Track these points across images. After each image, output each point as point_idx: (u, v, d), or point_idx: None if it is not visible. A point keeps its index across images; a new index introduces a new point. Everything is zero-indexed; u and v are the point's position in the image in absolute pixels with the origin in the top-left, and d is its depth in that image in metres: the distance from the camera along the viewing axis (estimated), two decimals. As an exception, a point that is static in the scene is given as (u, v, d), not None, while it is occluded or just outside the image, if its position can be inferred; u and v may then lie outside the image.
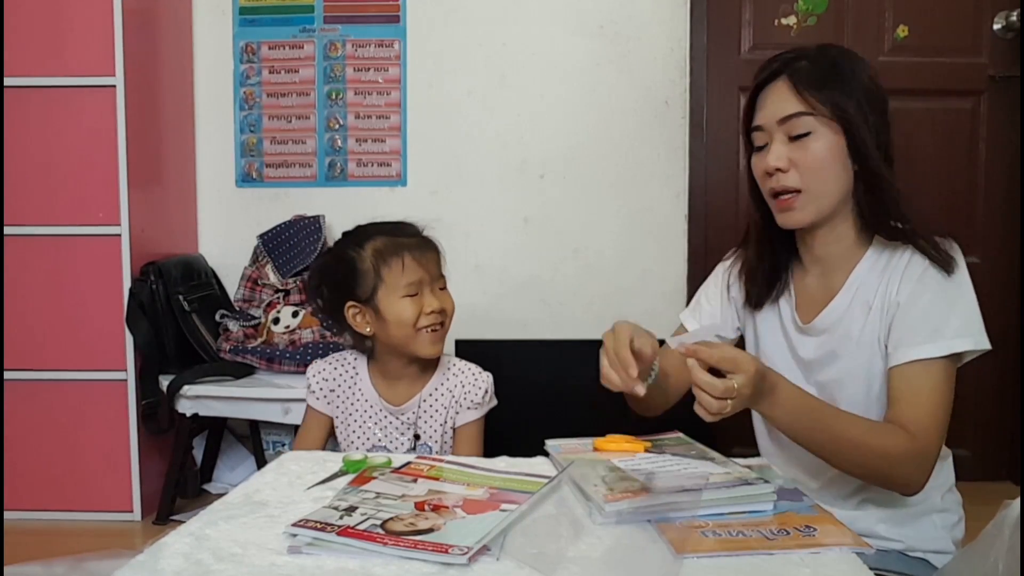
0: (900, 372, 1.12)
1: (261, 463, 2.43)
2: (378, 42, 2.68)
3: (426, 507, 0.89)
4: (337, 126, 2.71)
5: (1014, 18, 2.55)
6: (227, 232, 2.72)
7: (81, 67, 2.26)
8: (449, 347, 1.57)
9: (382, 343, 1.42)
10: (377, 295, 1.37)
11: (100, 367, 2.30)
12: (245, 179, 2.74)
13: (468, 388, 1.45)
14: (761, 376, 1.02)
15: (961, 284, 1.14)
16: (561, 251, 2.70)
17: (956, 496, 1.28)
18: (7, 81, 2.25)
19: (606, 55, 2.66)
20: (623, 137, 2.66)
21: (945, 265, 1.13)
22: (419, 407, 1.43)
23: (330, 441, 1.51)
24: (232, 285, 2.64)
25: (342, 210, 2.63)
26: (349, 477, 1.03)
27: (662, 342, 1.15)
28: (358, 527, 0.82)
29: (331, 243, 2.59)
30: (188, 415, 2.26)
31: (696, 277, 2.56)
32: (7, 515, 2.20)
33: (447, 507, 0.89)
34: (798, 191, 1.17)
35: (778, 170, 1.17)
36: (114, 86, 2.25)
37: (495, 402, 1.49)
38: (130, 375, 2.30)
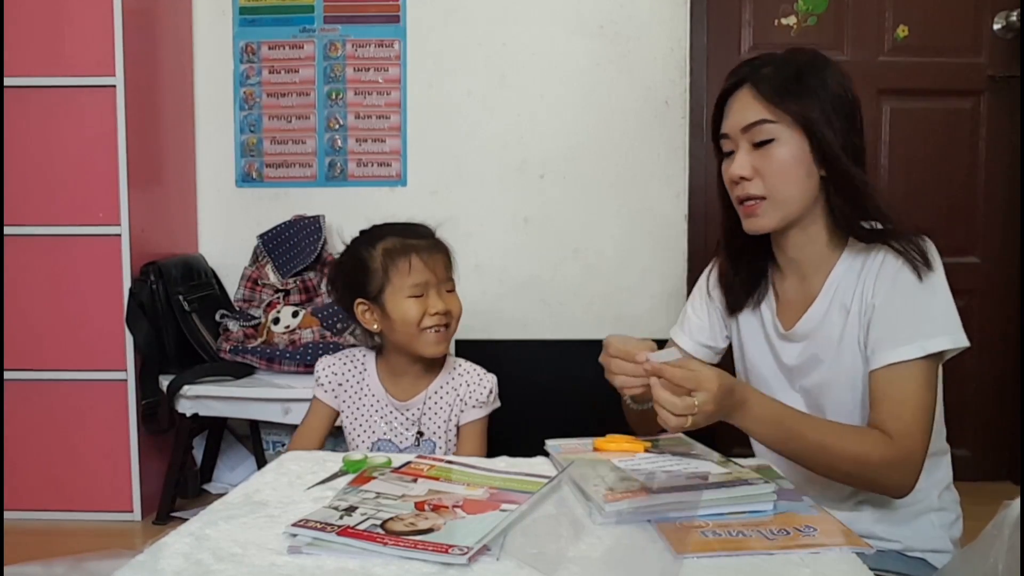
0: (880, 375, 1.12)
1: (261, 463, 2.43)
2: (378, 42, 2.68)
3: (426, 507, 0.89)
4: (337, 126, 2.71)
5: (1014, 18, 2.55)
6: (227, 232, 2.72)
7: (81, 67, 2.26)
8: (450, 347, 1.58)
9: (389, 340, 1.46)
10: (384, 294, 1.40)
11: (100, 367, 2.30)
12: (245, 179, 2.74)
13: (473, 387, 1.47)
14: (727, 391, 1.02)
15: (936, 283, 1.14)
16: (561, 251, 2.71)
17: (954, 494, 1.28)
18: (7, 81, 2.25)
19: (606, 55, 2.66)
20: (623, 137, 2.66)
21: (919, 264, 1.13)
22: (424, 404, 1.45)
23: (329, 440, 1.51)
24: (232, 285, 2.64)
25: (342, 210, 2.63)
26: (349, 477, 1.02)
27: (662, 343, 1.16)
28: (358, 527, 0.82)
29: (331, 243, 2.61)
30: (188, 415, 2.26)
31: (696, 277, 2.56)
32: (7, 515, 2.20)
33: (447, 507, 0.89)
34: (762, 197, 1.17)
35: (742, 178, 1.17)
36: (114, 86, 2.25)
37: (499, 403, 1.51)
38: (130, 375, 2.30)
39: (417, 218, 1.50)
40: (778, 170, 1.15)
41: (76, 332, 2.30)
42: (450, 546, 0.78)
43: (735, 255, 1.30)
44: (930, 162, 2.64)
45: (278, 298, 2.53)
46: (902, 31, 2.62)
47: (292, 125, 2.71)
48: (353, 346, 1.59)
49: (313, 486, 1.02)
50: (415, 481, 0.99)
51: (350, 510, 0.87)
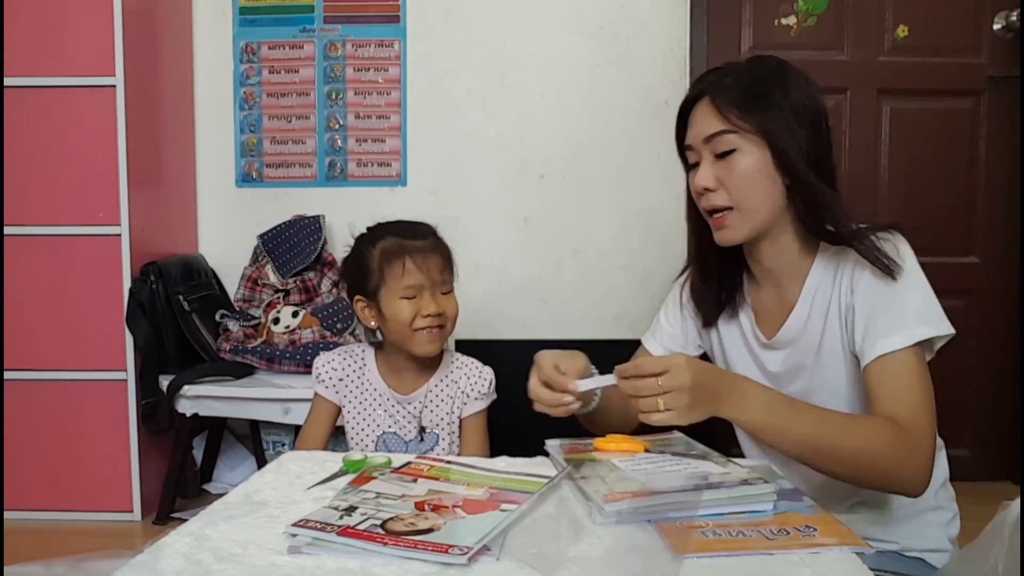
0: (872, 369, 1.10)
1: (261, 463, 2.43)
2: (378, 42, 2.68)
3: (426, 507, 0.89)
4: (337, 126, 2.71)
5: (1014, 18, 2.55)
6: (227, 232, 2.72)
7: (81, 67, 2.26)
8: (449, 347, 1.58)
9: (386, 337, 1.48)
10: (380, 293, 1.42)
11: (100, 367, 2.30)
12: (245, 179, 2.74)
13: (473, 380, 1.49)
14: (701, 367, 1.00)
15: (911, 274, 1.12)
16: (561, 251, 2.71)
17: (949, 491, 1.27)
18: (7, 81, 2.25)
19: (606, 55, 2.66)
20: (623, 137, 2.66)
21: (889, 264, 1.11)
22: (425, 397, 1.47)
23: (331, 440, 1.51)
24: (232, 285, 2.64)
25: (342, 210, 2.63)
26: (349, 477, 1.03)
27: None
28: (358, 527, 0.83)
29: (331, 243, 2.61)
30: (188, 415, 2.26)
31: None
32: (7, 515, 2.20)
33: (447, 507, 0.89)
34: (730, 208, 1.17)
35: (707, 189, 1.17)
36: (114, 86, 2.25)
37: (495, 395, 1.53)
38: (130, 375, 2.30)
39: (417, 218, 1.50)
40: (741, 180, 1.15)
41: (76, 332, 2.30)
42: (450, 546, 0.78)
43: (707, 267, 1.29)
44: (930, 162, 2.64)
45: (278, 298, 2.53)
46: (902, 31, 2.62)
47: (292, 125, 2.71)
48: (341, 346, 1.60)
49: (313, 486, 1.02)
50: (415, 481, 0.99)
51: (350, 510, 0.87)
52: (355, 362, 1.51)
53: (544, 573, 0.76)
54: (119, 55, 2.25)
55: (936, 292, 1.16)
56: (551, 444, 1.13)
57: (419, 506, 0.90)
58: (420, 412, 1.47)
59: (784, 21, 2.64)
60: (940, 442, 1.25)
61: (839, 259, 1.17)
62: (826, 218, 1.15)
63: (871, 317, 1.11)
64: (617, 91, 2.65)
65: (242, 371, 2.30)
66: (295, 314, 2.42)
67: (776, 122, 1.13)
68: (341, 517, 0.85)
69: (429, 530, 0.82)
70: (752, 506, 0.90)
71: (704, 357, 1.38)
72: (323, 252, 2.58)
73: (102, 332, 2.30)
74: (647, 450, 1.08)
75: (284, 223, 2.61)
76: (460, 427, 1.49)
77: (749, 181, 1.15)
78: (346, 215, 2.60)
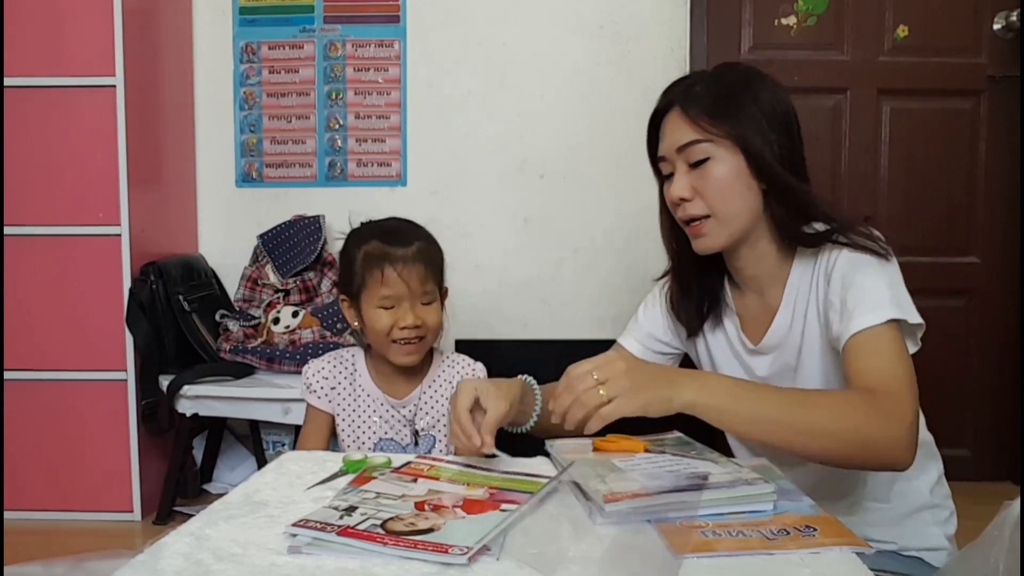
0: (848, 348, 1.07)
1: (261, 463, 2.43)
2: (378, 42, 2.68)
3: (426, 507, 0.89)
4: (337, 126, 2.71)
5: (1014, 18, 2.55)
6: (227, 232, 2.72)
7: (81, 67, 2.26)
8: (449, 347, 1.58)
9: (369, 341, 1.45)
10: (361, 297, 1.38)
11: (100, 367, 2.30)
12: (245, 179, 2.74)
13: (467, 376, 1.46)
14: (635, 361, 1.00)
15: (887, 266, 1.12)
16: (561, 251, 2.71)
17: (945, 489, 1.27)
18: (7, 81, 2.25)
19: (606, 55, 2.66)
20: (623, 137, 2.66)
21: (869, 248, 1.11)
22: (419, 400, 1.44)
23: (331, 441, 1.51)
24: (232, 285, 2.64)
25: (342, 210, 2.61)
26: (349, 477, 1.03)
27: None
28: (358, 527, 0.82)
29: (331, 243, 2.61)
30: (188, 415, 2.26)
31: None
32: (7, 515, 2.20)
33: (447, 507, 0.89)
34: (707, 216, 1.17)
35: (683, 199, 1.17)
36: (114, 86, 2.25)
37: None
38: (130, 375, 2.30)
39: (417, 218, 1.46)
40: (717, 188, 1.15)
41: (76, 332, 2.30)
42: (450, 546, 0.78)
43: (686, 279, 1.29)
44: (930, 162, 2.64)
45: (278, 298, 2.53)
46: (902, 31, 2.62)
47: (292, 125, 2.71)
48: (341, 346, 1.58)
49: (313, 486, 1.02)
50: (415, 481, 0.99)
51: (350, 510, 0.87)
52: (346, 368, 1.46)
53: (544, 573, 0.76)
54: (119, 55, 2.25)
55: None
56: (551, 444, 1.13)
57: (419, 506, 0.90)
58: (413, 416, 1.44)
59: (784, 21, 2.64)
60: (931, 437, 1.24)
61: (816, 261, 1.17)
62: (805, 216, 1.15)
63: (844, 302, 1.10)
64: (617, 91, 2.65)
65: (242, 371, 2.30)
66: (295, 314, 2.42)
67: (748, 127, 1.13)
68: (341, 517, 0.85)
69: (429, 530, 0.82)
70: (752, 506, 0.90)
71: (686, 362, 1.38)
72: (323, 252, 2.58)
73: (102, 332, 2.30)
74: (647, 450, 1.08)
75: (284, 223, 2.61)
76: None
77: (725, 188, 1.15)
78: (346, 215, 2.60)
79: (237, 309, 2.56)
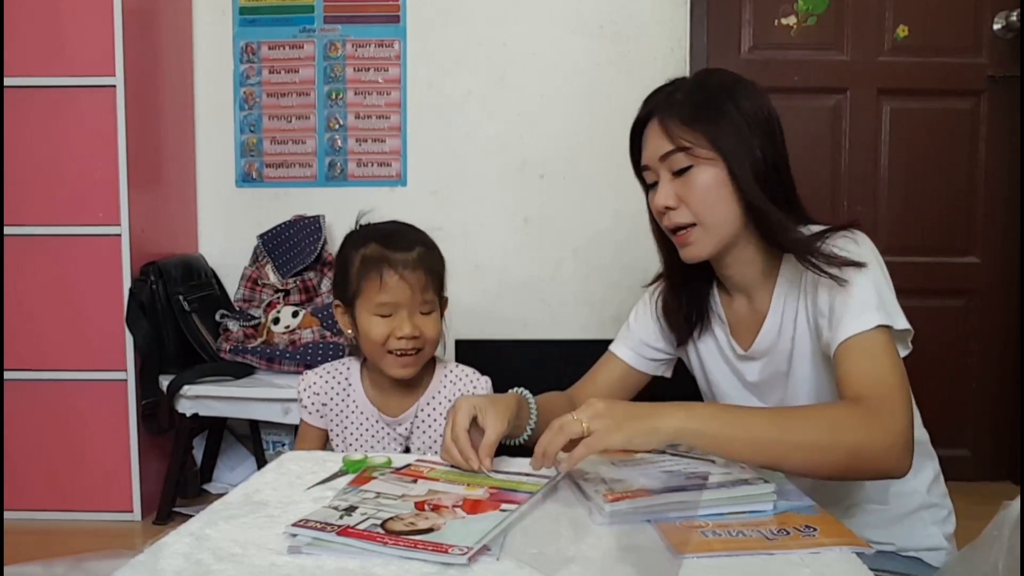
0: (839, 355, 1.07)
1: (261, 463, 2.43)
2: (378, 42, 2.68)
3: (426, 507, 0.89)
4: (337, 126, 2.71)
5: (1014, 18, 2.55)
6: (227, 232, 2.72)
7: (81, 67, 2.26)
8: (449, 347, 1.56)
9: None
10: (356, 303, 1.31)
11: (100, 367, 2.30)
12: (245, 179, 2.74)
13: (469, 392, 1.38)
14: (615, 402, 0.98)
15: (870, 271, 1.10)
16: (561, 251, 2.71)
17: (942, 488, 1.27)
18: (7, 81, 2.25)
19: (606, 55, 2.66)
20: (623, 137, 2.63)
21: (837, 276, 1.08)
22: (415, 418, 1.37)
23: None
24: (232, 285, 2.64)
25: (342, 210, 2.62)
26: (349, 477, 1.03)
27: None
28: (358, 527, 0.83)
29: (331, 243, 2.61)
30: (188, 415, 2.26)
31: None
32: (7, 515, 2.20)
33: (447, 507, 0.89)
34: (693, 224, 1.16)
35: (668, 208, 1.17)
36: (114, 86, 2.25)
37: None
38: (130, 375, 2.30)
39: (417, 218, 1.42)
40: (701, 196, 1.14)
41: (76, 332, 2.30)
42: (450, 546, 0.78)
43: (677, 284, 1.29)
44: (930, 162, 2.64)
45: (278, 298, 2.53)
46: (902, 31, 2.62)
47: (292, 125, 2.71)
48: (343, 348, 1.51)
49: (313, 486, 1.02)
50: (415, 481, 0.99)
51: (350, 510, 0.87)
52: (339, 382, 1.39)
53: (544, 573, 0.76)
54: (119, 55, 2.25)
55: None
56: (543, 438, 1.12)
57: (419, 506, 0.90)
58: (409, 435, 1.35)
59: (784, 21, 2.64)
60: (926, 436, 1.24)
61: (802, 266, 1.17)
62: (781, 237, 1.14)
63: (832, 309, 1.09)
64: (617, 91, 2.65)
65: (242, 371, 2.30)
66: (295, 314, 2.42)
67: (729, 135, 1.13)
68: (341, 517, 0.85)
69: (429, 530, 0.82)
70: (752, 506, 0.90)
71: (680, 367, 1.38)
72: (323, 252, 2.58)
73: (102, 332, 2.30)
74: (647, 450, 1.08)
75: (284, 223, 2.61)
76: None
77: (709, 196, 1.14)
78: (346, 215, 2.59)
79: (237, 309, 2.56)
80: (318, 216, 2.59)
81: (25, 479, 2.31)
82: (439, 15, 2.67)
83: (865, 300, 1.07)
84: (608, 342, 1.42)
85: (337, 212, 2.62)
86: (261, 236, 2.60)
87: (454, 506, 0.90)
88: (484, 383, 1.40)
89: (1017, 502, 0.92)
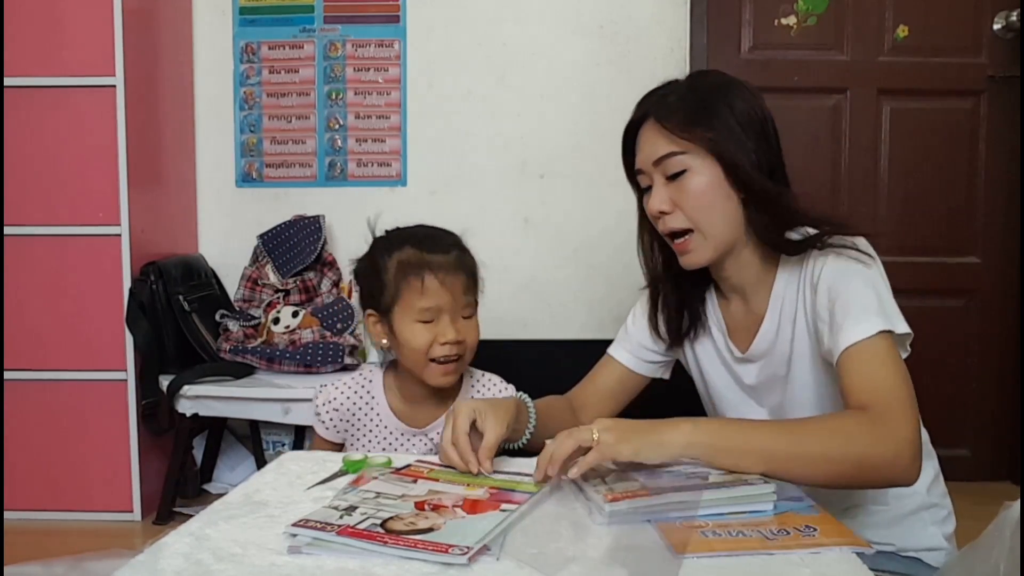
0: (842, 362, 1.06)
1: (261, 463, 2.43)
2: (378, 42, 2.68)
3: (426, 507, 0.89)
4: (337, 126, 2.71)
5: (1014, 18, 2.55)
6: (227, 232, 2.72)
7: (81, 67, 2.26)
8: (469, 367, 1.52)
9: (399, 359, 1.32)
10: (394, 311, 1.25)
11: (100, 367, 2.30)
12: (245, 179, 2.74)
13: None
14: (620, 420, 0.98)
15: (871, 273, 1.10)
16: (561, 251, 2.70)
17: (942, 487, 1.27)
18: (7, 81, 2.25)
19: (606, 55, 2.66)
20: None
21: (852, 254, 1.10)
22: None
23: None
24: (232, 285, 2.64)
25: (342, 210, 2.63)
26: (349, 477, 1.03)
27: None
28: (358, 527, 0.83)
29: (331, 243, 2.61)
30: (188, 415, 2.26)
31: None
32: (7, 515, 2.20)
33: (447, 507, 0.89)
34: (689, 230, 1.16)
35: (662, 212, 1.16)
36: (114, 86, 2.25)
37: None
38: (130, 375, 2.30)
39: (417, 218, 1.42)
40: (696, 200, 1.14)
41: (76, 332, 2.30)
42: (450, 546, 0.78)
43: (663, 293, 1.29)
44: (930, 162, 2.64)
45: (278, 298, 2.53)
46: (902, 31, 2.62)
47: (292, 125, 2.71)
48: (353, 367, 1.42)
49: (313, 486, 1.02)
50: (415, 481, 0.99)
51: (350, 510, 0.87)
52: (361, 396, 1.34)
53: (544, 573, 0.76)
54: (119, 55, 2.25)
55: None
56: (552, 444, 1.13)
57: (419, 506, 0.90)
58: (437, 446, 1.30)
59: (784, 21, 2.64)
60: (926, 436, 1.24)
61: (800, 266, 1.16)
62: (787, 222, 1.14)
63: (833, 314, 1.09)
64: (617, 91, 2.65)
65: (242, 371, 2.30)
66: (295, 314, 2.42)
67: (724, 136, 1.12)
68: (341, 517, 0.85)
69: (429, 530, 0.82)
70: (752, 506, 0.90)
71: (678, 368, 1.38)
72: (323, 252, 2.58)
73: (102, 332, 2.30)
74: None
75: (284, 223, 2.61)
76: None
77: (705, 200, 1.14)
78: (346, 215, 2.61)
79: (237, 309, 2.56)
80: (318, 216, 2.59)
81: (25, 479, 2.31)
82: (439, 15, 2.67)
83: (865, 304, 1.07)
84: (608, 342, 1.42)
85: (337, 212, 2.62)
86: (261, 236, 2.60)
87: (454, 506, 0.90)
88: (511, 392, 1.39)
89: (1017, 503, 0.92)
